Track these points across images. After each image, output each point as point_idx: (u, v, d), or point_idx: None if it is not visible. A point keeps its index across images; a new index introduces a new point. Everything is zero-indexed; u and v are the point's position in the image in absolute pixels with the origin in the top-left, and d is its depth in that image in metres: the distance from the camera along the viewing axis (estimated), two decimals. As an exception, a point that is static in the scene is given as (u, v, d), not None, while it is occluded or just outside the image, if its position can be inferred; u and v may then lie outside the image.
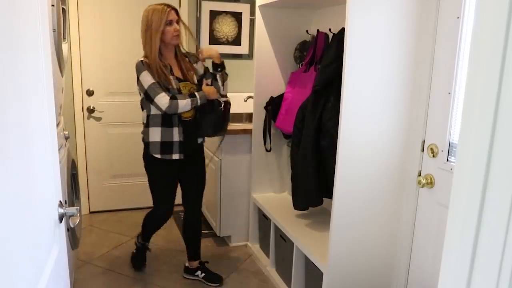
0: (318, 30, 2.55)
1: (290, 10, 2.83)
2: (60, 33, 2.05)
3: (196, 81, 2.48)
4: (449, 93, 1.73)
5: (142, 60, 2.32)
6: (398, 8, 1.81)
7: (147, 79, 2.27)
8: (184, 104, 2.29)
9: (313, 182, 2.27)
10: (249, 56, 3.94)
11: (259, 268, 2.90)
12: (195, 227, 2.69)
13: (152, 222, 2.71)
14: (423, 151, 1.89)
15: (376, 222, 2.01)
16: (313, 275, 2.24)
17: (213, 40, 3.81)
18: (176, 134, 2.38)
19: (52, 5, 1.89)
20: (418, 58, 1.87)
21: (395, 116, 1.91)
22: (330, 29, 2.45)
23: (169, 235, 3.40)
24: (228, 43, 3.89)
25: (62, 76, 2.24)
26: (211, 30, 3.80)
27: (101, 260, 2.97)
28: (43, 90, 1.03)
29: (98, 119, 3.65)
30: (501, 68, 0.57)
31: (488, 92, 0.58)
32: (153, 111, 2.36)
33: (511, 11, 0.55)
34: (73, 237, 2.30)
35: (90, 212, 3.77)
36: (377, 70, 1.85)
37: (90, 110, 3.60)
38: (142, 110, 2.46)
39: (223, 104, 2.46)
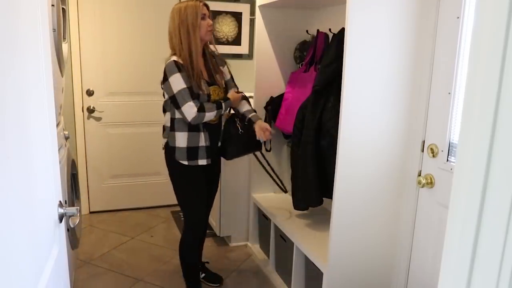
0: (318, 30, 2.55)
1: (290, 10, 2.83)
2: (60, 33, 2.05)
3: (224, 85, 2.36)
4: (449, 93, 1.73)
5: (175, 61, 2.15)
6: (398, 8, 1.81)
7: (178, 83, 2.11)
8: (210, 116, 2.17)
9: (313, 182, 2.27)
10: (249, 56, 3.94)
11: (259, 268, 2.90)
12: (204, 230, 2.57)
13: (189, 247, 2.41)
14: (423, 151, 1.89)
15: (376, 222, 2.01)
16: (313, 275, 2.24)
17: (213, 40, 3.80)
18: (202, 139, 2.24)
19: (52, 5, 1.89)
20: (418, 58, 1.86)
21: (395, 116, 1.91)
22: (330, 29, 2.45)
23: (169, 235, 3.40)
24: (228, 43, 3.89)
25: (62, 76, 2.24)
26: (211, 30, 3.79)
27: (101, 260, 2.97)
28: (43, 90, 1.03)
29: (98, 119, 3.65)
30: (501, 68, 0.57)
31: (488, 92, 0.58)
32: (178, 114, 2.21)
33: (511, 11, 0.55)
34: (73, 237, 2.30)
35: (90, 212, 3.78)
36: (377, 70, 1.84)
37: (90, 110, 3.60)
38: (164, 112, 2.31)
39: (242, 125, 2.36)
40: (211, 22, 2.23)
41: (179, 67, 2.13)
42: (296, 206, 2.46)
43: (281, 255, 2.65)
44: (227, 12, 3.80)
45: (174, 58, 2.17)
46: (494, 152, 0.58)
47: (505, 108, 0.57)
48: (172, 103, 2.16)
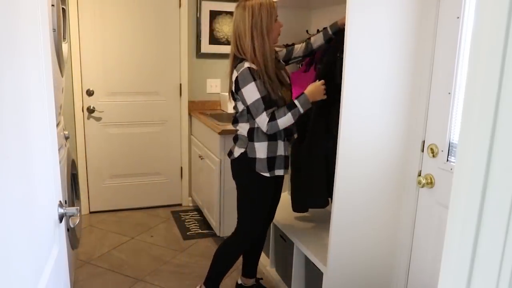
0: (318, 30, 2.55)
1: (290, 10, 2.83)
2: (60, 33, 2.05)
3: (288, 81, 2.22)
4: (449, 93, 1.72)
5: (249, 68, 2.00)
6: (398, 8, 1.81)
7: (253, 93, 1.99)
8: (285, 122, 2.02)
9: (321, 184, 2.25)
10: (249, 56, 3.93)
11: (259, 268, 2.90)
12: (262, 244, 2.49)
13: (229, 253, 2.28)
14: (423, 151, 1.89)
15: (376, 222, 2.01)
16: (313, 275, 2.24)
17: (213, 40, 3.81)
18: (281, 148, 2.14)
19: (52, 5, 1.89)
20: (418, 58, 1.86)
21: (395, 116, 1.91)
22: (330, 29, 2.45)
23: (169, 235, 3.40)
24: (228, 43, 3.88)
25: (62, 76, 2.24)
26: (211, 30, 3.80)
27: (101, 260, 2.97)
28: (43, 90, 1.03)
29: (98, 119, 3.65)
30: (501, 68, 0.57)
31: (488, 92, 0.58)
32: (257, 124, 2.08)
33: (511, 11, 0.55)
34: (73, 237, 2.30)
35: (90, 212, 3.78)
36: (377, 70, 1.84)
37: (90, 110, 3.60)
38: (236, 121, 2.17)
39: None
40: (281, 23, 2.12)
41: (253, 75, 1.99)
42: (296, 209, 2.45)
43: (281, 255, 2.65)
44: (227, 12, 3.80)
45: (247, 64, 2.01)
46: (494, 152, 0.58)
47: (505, 108, 0.57)
48: (249, 113, 2.07)
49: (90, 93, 3.58)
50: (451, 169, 1.73)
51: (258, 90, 1.99)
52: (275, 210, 2.43)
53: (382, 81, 1.86)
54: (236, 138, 2.20)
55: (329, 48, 2.27)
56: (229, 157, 2.23)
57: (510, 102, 0.56)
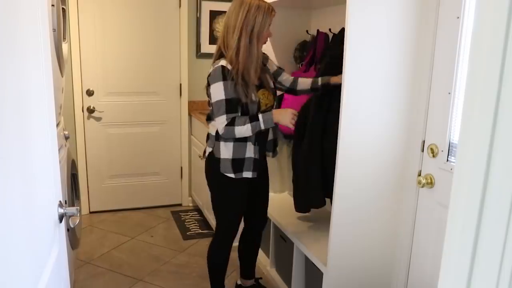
0: (318, 30, 2.55)
1: (290, 10, 2.83)
2: (60, 33, 2.05)
3: (272, 85, 2.16)
4: (449, 93, 1.72)
5: (223, 66, 1.95)
6: (398, 8, 1.81)
7: (219, 92, 1.95)
8: (242, 132, 1.95)
9: (317, 183, 2.26)
10: (249, 56, 3.93)
11: (259, 268, 2.90)
12: (257, 245, 2.46)
13: (214, 252, 2.28)
14: (423, 151, 1.89)
15: (376, 222, 2.01)
16: (313, 275, 2.24)
17: (213, 40, 3.81)
18: (250, 151, 2.06)
19: (52, 5, 1.89)
20: (418, 58, 1.86)
21: (395, 116, 1.91)
22: (330, 29, 2.45)
23: (169, 235, 3.40)
24: (228, 43, 3.88)
25: (62, 76, 2.24)
26: (211, 30, 3.80)
27: (101, 260, 2.97)
28: (43, 90, 1.03)
29: (98, 119, 3.65)
30: (501, 68, 0.57)
31: (488, 92, 0.58)
32: None
33: (511, 11, 0.55)
34: (73, 237, 2.30)
35: (90, 212, 3.78)
36: (377, 70, 1.84)
37: (90, 110, 3.60)
38: (209, 119, 2.14)
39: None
40: (271, 33, 2.06)
41: (225, 75, 1.94)
42: (298, 208, 2.45)
43: (281, 255, 2.65)
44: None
45: (223, 63, 1.96)
46: (494, 152, 0.58)
47: (505, 108, 0.57)
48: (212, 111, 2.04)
49: (90, 93, 3.58)
50: (451, 169, 1.73)
51: (225, 90, 1.94)
52: (264, 208, 2.38)
53: (382, 81, 1.86)
54: (207, 137, 2.18)
55: (330, 48, 2.28)
56: (203, 156, 2.22)
57: (510, 102, 0.56)
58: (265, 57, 2.20)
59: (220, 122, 1.97)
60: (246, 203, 2.22)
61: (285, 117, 1.98)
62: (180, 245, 3.25)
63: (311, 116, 2.26)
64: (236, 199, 2.15)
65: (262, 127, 1.98)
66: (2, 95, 0.71)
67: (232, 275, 2.79)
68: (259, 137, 2.08)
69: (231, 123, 1.95)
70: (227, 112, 1.95)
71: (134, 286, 2.67)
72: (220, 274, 2.31)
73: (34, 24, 0.98)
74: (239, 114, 2.00)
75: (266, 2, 1.99)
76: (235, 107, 1.97)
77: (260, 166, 2.18)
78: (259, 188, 2.31)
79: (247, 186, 2.16)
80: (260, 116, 1.97)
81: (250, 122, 1.95)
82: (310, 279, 2.32)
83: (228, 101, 1.94)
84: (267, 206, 2.40)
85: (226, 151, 2.05)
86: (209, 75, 2.00)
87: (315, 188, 2.27)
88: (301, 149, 2.33)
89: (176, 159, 3.97)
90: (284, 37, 2.84)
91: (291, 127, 2.01)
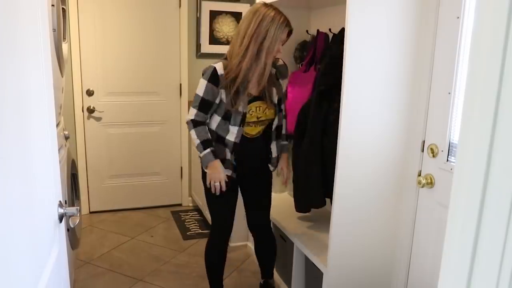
0: (318, 30, 2.55)
1: (290, 10, 2.82)
2: (60, 33, 2.05)
3: (275, 101, 2.10)
4: (449, 93, 1.72)
5: (215, 70, 1.94)
6: (398, 8, 1.81)
7: (200, 88, 1.97)
8: (193, 138, 2.02)
9: (317, 183, 2.25)
10: (249, 56, 3.93)
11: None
12: (266, 244, 2.41)
13: (209, 250, 2.28)
14: (423, 151, 1.89)
15: (376, 222, 2.01)
16: (313, 275, 2.24)
17: (213, 40, 3.81)
18: (228, 155, 2.06)
19: (52, 5, 1.89)
20: (418, 58, 1.86)
21: (395, 116, 1.91)
22: (330, 29, 2.45)
23: (169, 235, 3.40)
24: (228, 43, 3.88)
25: (62, 76, 2.24)
26: (211, 30, 3.80)
27: (101, 260, 2.97)
28: (43, 90, 1.03)
29: (98, 119, 3.65)
30: (501, 68, 0.57)
31: (488, 92, 0.58)
32: (211, 124, 2.06)
33: (511, 11, 0.55)
34: (73, 237, 2.30)
35: (90, 212, 3.78)
36: (377, 70, 1.84)
37: (90, 110, 3.60)
38: None
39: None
40: (281, 49, 1.98)
41: (214, 79, 1.94)
42: (298, 208, 2.44)
43: (281, 255, 2.65)
44: (227, 12, 3.80)
45: (218, 65, 1.95)
46: (494, 152, 0.58)
47: (505, 108, 0.57)
48: None
49: (90, 93, 3.58)
50: (451, 169, 1.73)
51: (205, 89, 1.95)
52: (259, 202, 2.32)
53: (382, 81, 1.86)
54: None
55: (330, 48, 2.28)
56: None
57: (510, 102, 0.56)
58: (283, 73, 2.15)
59: (190, 113, 2.02)
60: (235, 198, 2.22)
61: (212, 175, 2.02)
62: (180, 245, 3.25)
63: (311, 116, 2.26)
64: (221, 196, 2.10)
65: (200, 156, 2.04)
66: (2, 95, 0.71)
67: (232, 275, 2.79)
68: (239, 151, 2.08)
69: (194, 124, 2.01)
70: (199, 109, 1.99)
71: (134, 286, 2.66)
72: (216, 274, 2.31)
73: (34, 24, 0.98)
74: (208, 116, 2.03)
75: (282, 14, 1.90)
76: (207, 108, 2.00)
77: (245, 167, 2.16)
78: (256, 184, 2.29)
79: (234, 182, 2.14)
80: (204, 152, 2.00)
81: (200, 141, 2.00)
82: (310, 279, 2.32)
83: (202, 100, 1.98)
84: (266, 203, 2.33)
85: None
86: (202, 72, 2.03)
87: (315, 188, 2.27)
88: (301, 149, 2.33)
89: (176, 159, 3.97)
90: (284, 37, 2.83)
91: (207, 185, 2.06)
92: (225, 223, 2.23)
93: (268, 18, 1.87)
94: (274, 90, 2.10)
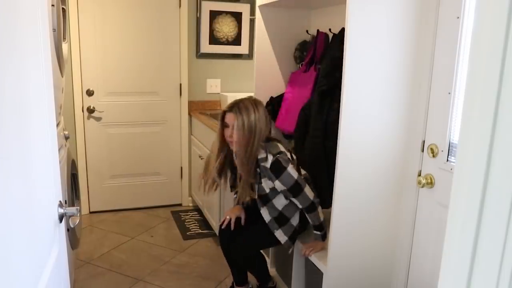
0: (318, 30, 2.55)
1: (290, 10, 2.82)
2: (60, 33, 2.05)
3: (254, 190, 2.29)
4: (449, 93, 1.72)
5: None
6: (398, 8, 1.81)
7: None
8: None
9: (325, 184, 2.25)
10: (249, 56, 3.94)
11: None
12: (235, 254, 2.43)
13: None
14: (423, 151, 1.89)
15: (376, 222, 2.01)
16: (313, 275, 2.24)
17: (213, 40, 3.81)
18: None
19: (52, 5, 1.89)
20: (418, 58, 1.86)
21: (395, 116, 1.91)
22: (330, 29, 2.45)
23: (169, 235, 3.40)
24: (228, 43, 3.88)
25: (62, 76, 2.24)
26: (211, 30, 3.80)
27: (101, 260, 2.97)
28: (43, 90, 1.03)
29: (98, 119, 3.65)
30: (501, 68, 0.57)
31: (488, 92, 0.58)
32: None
33: (511, 11, 0.55)
34: (73, 237, 2.30)
35: (90, 212, 3.78)
36: (377, 70, 1.84)
37: (90, 110, 3.60)
38: None
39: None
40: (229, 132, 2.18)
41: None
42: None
43: (281, 255, 2.65)
44: (227, 12, 3.80)
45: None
46: (494, 152, 0.58)
47: (505, 108, 0.57)
48: None
49: (90, 93, 3.58)
50: (451, 169, 1.73)
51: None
52: (242, 236, 2.37)
53: (382, 81, 1.86)
54: None
55: (330, 48, 2.28)
56: None
57: (510, 102, 0.56)
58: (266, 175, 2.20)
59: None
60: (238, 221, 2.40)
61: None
62: (180, 245, 3.25)
63: (313, 117, 2.25)
64: None
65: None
66: (2, 95, 0.70)
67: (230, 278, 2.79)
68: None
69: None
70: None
71: (134, 286, 2.66)
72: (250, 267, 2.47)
73: (34, 24, 0.98)
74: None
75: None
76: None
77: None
78: (252, 220, 2.40)
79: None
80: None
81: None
82: (310, 279, 2.32)
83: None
84: (247, 239, 2.36)
85: None
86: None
87: (324, 188, 2.25)
88: (304, 151, 2.32)
89: (176, 159, 3.97)
90: (284, 37, 2.84)
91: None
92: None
93: (258, 116, 2.16)
94: (252, 184, 2.30)
